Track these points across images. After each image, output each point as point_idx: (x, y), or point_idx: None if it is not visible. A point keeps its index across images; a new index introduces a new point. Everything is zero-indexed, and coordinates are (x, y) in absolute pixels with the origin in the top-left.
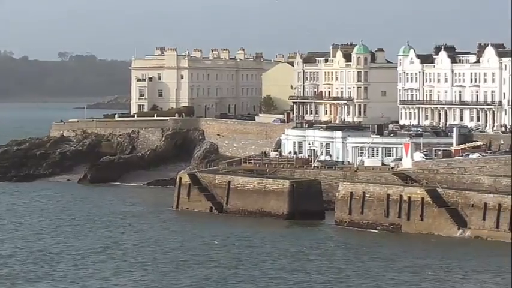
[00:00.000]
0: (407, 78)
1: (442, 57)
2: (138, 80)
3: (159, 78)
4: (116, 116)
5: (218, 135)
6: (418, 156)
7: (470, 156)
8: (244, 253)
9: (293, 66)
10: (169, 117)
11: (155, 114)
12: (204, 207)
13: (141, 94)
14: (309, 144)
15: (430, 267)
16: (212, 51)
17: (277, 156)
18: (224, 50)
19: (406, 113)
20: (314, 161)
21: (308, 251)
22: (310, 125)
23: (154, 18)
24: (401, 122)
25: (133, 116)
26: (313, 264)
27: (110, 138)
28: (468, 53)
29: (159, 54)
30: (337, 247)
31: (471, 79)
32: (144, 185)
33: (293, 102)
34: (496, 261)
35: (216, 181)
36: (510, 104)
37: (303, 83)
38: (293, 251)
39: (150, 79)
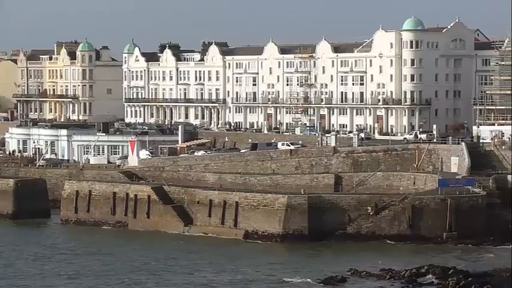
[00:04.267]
0: (133, 76)
1: (167, 55)
2: None
3: None
4: None
5: None
6: (144, 154)
7: (196, 153)
8: None
9: (16, 63)
10: None
11: None
12: None
13: None
14: (34, 142)
15: (148, 264)
16: None
17: (1, 155)
18: None
19: (131, 110)
20: (39, 160)
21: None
22: (35, 123)
23: None
24: (127, 120)
25: None
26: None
27: None
28: (193, 51)
29: None
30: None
31: (196, 77)
32: None
33: (17, 100)
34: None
35: None
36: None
37: (27, 80)
38: None
39: None
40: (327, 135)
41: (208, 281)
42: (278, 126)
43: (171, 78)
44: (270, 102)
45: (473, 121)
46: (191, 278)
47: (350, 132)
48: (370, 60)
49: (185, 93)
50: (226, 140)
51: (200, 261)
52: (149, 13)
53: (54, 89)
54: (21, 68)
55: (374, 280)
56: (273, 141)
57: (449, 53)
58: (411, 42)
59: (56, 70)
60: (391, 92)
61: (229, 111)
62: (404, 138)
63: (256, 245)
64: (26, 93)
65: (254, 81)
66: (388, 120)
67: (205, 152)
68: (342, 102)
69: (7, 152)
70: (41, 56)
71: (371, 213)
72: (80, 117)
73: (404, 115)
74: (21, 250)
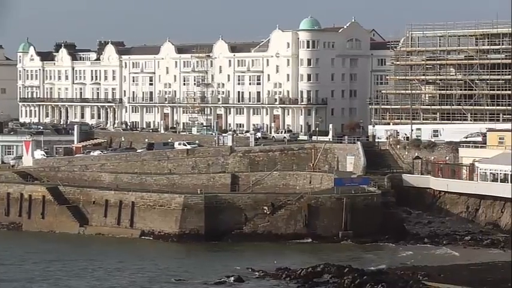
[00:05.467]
0: (28, 75)
1: (63, 54)
2: None
3: None
4: None
5: None
6: (39, 154)
7: (92, 153)
8: None
9: None
10: None
11: None
12: None
13: None
14: None
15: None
16: None
17: None
18: None
19: (26, 110)
20: None
21: None
22: None
23: None
24: (22, 120)
25: None
26: None
27: None
28: (89, 50)
29: None
30: None
31: (92, 77)
32: None
33: None
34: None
35: None
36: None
37: None
38: None
39: None
40: (223, 134)
41: (103, 283)
42: (175, 126)
43: (66, 77)
44: (166, 102)
45: (368, 120)
46: (86, 280)
47: (247, 131)
48: (267, 60)
49: (81, 92)
50: (123, 139)
51: (95, 262)
52: (45, 11)
53: None
54: None
55: (270, 279)
56: (169, 141)
57: (345, 52)
58: (308, 42)
59: None
60: (288, 92)
61: (126, 111)
62: (284, 137)
63: (153, 245)
64: None
65: (151, 80)
66: (285, 119)
67: (101, 151)
68: (238, 101)
69: None
70: None
71: (267, 213)
72: None
73: (301, 114)
74: None
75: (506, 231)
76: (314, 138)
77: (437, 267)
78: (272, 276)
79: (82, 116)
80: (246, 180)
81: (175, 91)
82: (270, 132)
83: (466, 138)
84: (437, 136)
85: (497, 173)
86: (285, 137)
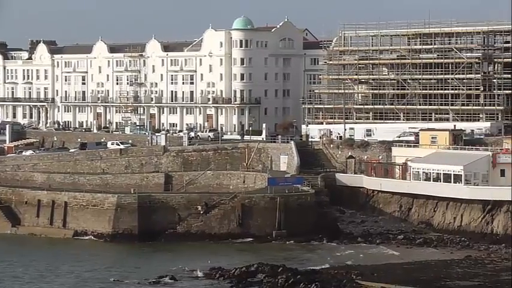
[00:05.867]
0: None
1: None
2: None
3: None
4: None
5: None
6: None
7: (24, 153)
8: None
9: None
10: None
11: None
12: None
13: None
14: None
15: None
16: None
17: None
18: None
19: None
20: None
21: None
22: None
23: None
24: None
25: None
26: None
27: None
28: (20, 49)
29: None
30: None
31: (24, 76)
32: None
33: None
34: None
35: None
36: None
37: None
38: None
39: None
40: (157, 134)
41: (37, 284)
42: (108, 126)
43: None
44: (99, 101)
45: (302, 120)
46: (19, 282)
47: (180, 131)
48: (200, 59)
49: (13, 92)
50: (55, 139)
51: (28, 263)
52: None
53: None
54: None
55: (203, 279)
56: (102, 140)
57: (279, 52)
58: (241, 41)
59: None
60: (221, 91)
61: (58, 111)
62: (208, 136)
63: (86, 245)
64: None
65: (83, 80)
66: (218, 119)
67: (34, 151)
68: (172, 101)
69: None
70: None
71: (201, 212)
72: None
73: (234, 114)
74: None
75: (439, 230)
76: (247, 137)
77: (371, 266)
78: (205, 275)
79: (14, 116)
80: (180, 179)
81: (108, 90)
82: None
83: (399, 137)
84: (370, 135)
85: (430, 172)
86: (209, 136)
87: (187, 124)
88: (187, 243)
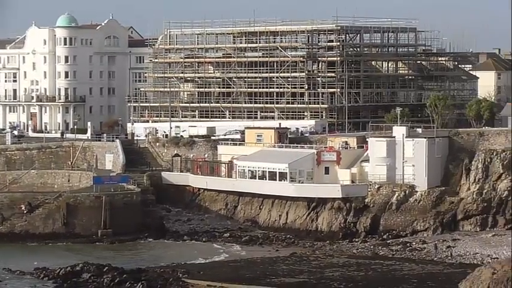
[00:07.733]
0: None
1: None
2: None
3: None
4: None
5: None
6: None
7: None
8: None
9: None
10: None
11: None
12: None
13: None
14: None
15: None
16: None
17: None
18: None
19: None
20: None
21: None
22: None
23: None
24: None
25: None
26: None
27: None
28: None
29: None
30: None
31: None
32: None
33: None
34: None
35: None
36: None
37: None
38: None
39: None
40: None
41: None
42: None
43: None
44: None
45: (127, 118)
46: None
47: (3, 129)
48: (23, 57)
49: None
50: None
51: None
52: None
53: None
54: None
55: (29, 280)
56: None
57: (104, 50)
58: (65, 39)
59: None
60: (45, 89)
61: None
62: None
63: None
64: None
65: None
66: (43, 117)
67: None
68: None
69: None
70: None
71: (25, 212)
72: None
73: (59, 112)
74: None
75: (265, 228)
76: (72, 136)
77: (198, 264)
78: (30, 276)
79: None
80: (3, 179)
81: None
82: (27, 131)
83: (225, 135)
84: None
85: (255, 170)
86: (13, 133)
87: (10, 123)
88: (11, 244)
